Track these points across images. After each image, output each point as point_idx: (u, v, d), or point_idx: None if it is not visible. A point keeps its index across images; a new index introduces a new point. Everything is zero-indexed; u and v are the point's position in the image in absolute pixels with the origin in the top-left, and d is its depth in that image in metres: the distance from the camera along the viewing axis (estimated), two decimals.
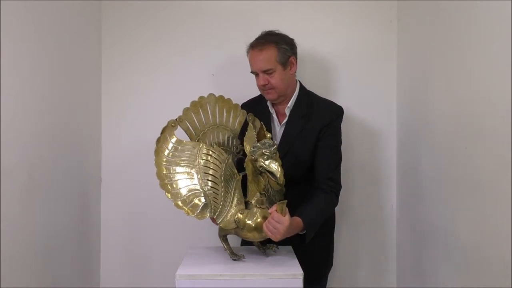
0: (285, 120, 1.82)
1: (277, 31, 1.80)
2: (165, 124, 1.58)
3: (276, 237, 1.48)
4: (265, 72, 1.73)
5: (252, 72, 1.78)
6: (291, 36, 1.80)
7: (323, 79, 2.21)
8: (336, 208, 1.86)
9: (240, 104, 1.79)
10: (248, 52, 1.80)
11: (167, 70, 2.22)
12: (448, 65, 1.67)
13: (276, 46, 1.73)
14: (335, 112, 1.83)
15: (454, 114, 1.61)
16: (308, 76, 2.14)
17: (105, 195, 2.23)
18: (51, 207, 1.73)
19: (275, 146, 1.47)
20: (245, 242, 1.77)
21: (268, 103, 1.85)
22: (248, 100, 1.91)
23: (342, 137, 1.85)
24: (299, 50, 1.84)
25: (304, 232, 1.62)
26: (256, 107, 1.83)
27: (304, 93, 1.85)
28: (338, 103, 1.86)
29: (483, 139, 1.41)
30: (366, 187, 2.24)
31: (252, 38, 1.80)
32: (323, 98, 1.89)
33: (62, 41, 1.84)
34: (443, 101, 1.70)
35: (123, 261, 2.23)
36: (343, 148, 1.85)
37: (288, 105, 1.81)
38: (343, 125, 1.87)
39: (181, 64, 2.22)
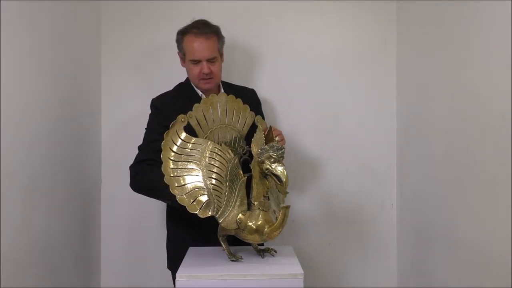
0: None
1: (208, 21, 1.83)
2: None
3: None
4: (209, 60, 1.77)
5: (192, 60, 1.78)
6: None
7: (323, 79, 2.20)
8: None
9: (162, 94, 1.82)
10: (181, 39, 1.81)
11: (167, 70, 2.22)
12: (448, 64, 1.67)
13: (217, 36, 1.81)
14: (255, 92, 1.98)
15: (454, 113, 1.61)
16: (308, 75, 2.15)
17: (105, 196, 2.23)
18: (51, 208, 1.73)
19: (283, 149, 1.46)
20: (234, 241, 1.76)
21: (200, 92, 1.85)
22: (173, 92, 1.89)
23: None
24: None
25: None
26: (190, 96, 1.83)
27: (223, 82, 1.92)
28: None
29: (483, 139, 1.42)
30: (366, 187, 2.24)
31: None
32: (236, 84, 1.97)
33: (62, 42, 1.84)
34: (443, 101, 1.70)
35: (123, 261, 2.23)
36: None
37: (222, 91, 1.83)
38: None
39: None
